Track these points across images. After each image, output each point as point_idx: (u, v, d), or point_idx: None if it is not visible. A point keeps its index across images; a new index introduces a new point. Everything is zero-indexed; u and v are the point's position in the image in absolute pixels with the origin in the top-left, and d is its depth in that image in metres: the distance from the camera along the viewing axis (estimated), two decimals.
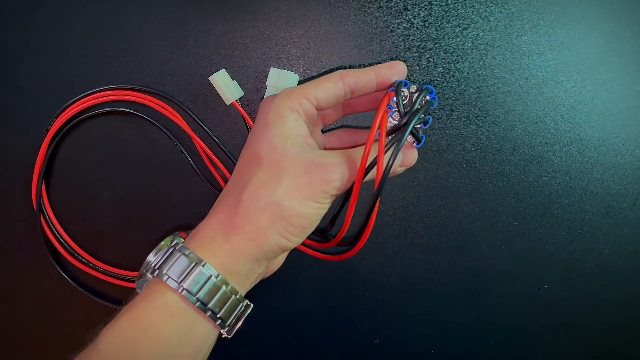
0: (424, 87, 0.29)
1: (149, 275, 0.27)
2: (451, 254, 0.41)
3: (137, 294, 0.27)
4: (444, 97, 0.40)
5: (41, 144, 0.41)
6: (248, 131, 0.39)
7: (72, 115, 0.41)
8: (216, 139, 0.40)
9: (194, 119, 0.40)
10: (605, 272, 0.41)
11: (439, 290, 0.42)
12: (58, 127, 0.41)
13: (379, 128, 0.27)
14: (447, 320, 0.42)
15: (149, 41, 0.41)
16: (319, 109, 0.30)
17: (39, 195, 0.41)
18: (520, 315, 0.42)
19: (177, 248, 0.27)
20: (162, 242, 0.28)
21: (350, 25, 0.40)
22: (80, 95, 0.41)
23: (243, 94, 0.39)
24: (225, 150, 0.40)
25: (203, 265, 0.26)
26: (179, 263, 0.26)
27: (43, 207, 0.42)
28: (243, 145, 0.30)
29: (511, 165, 0.41)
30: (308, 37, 0.40)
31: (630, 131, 0.40)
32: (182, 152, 0.40)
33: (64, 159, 0.42)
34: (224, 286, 0.27)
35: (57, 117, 0.41)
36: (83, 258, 0.42)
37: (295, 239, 0.28)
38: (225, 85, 0.38)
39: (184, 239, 0.30)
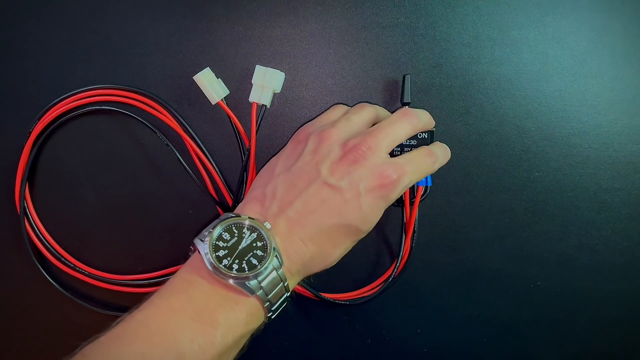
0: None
1: (254, 289, 0.30)
2: (443, 251, 0.41)
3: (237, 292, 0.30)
4: (433, 93, 0.39)
5: (24, 146, 0.40)
6: (234, 130, 0.39)
7: (55, 116, 0.40)
8: (199, 141, 0.39)
9: (178, 119, 0.39)
10: (599, 268, 0.41)
11: (431, 289, 0.41)
12: (41, 129, 0.40)
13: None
14: (439, 318, 0.42)
15: (132, 40, 0.40)
16: None
17: (23, 199, 0.40)
18: (513, 313, 0.41)
19: (284, 284, 0.31)
20: (268, 262, 0.30)
21: (336, 21, 0.39)
22: (62, 96, 0.40)
23: (228, 92, 0.39)
24: (206, 153, 0.40)
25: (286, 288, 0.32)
26: (279, 291, 0.31)
27: (27, 210, 0.41)
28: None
29: (502, 162, 0.40)
30: (294, 34, 0.39)
31: (622, 125, 0.39)
32: (169, 146, 0.39)
33: (47, 161, 0.41)
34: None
35: (39, 118, 0.40)
36: (69, 262, 0.41)
37: None
38: (210, 85, 0.37)
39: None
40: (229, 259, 0.30)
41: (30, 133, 0.40)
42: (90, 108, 0.40)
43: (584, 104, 0.39)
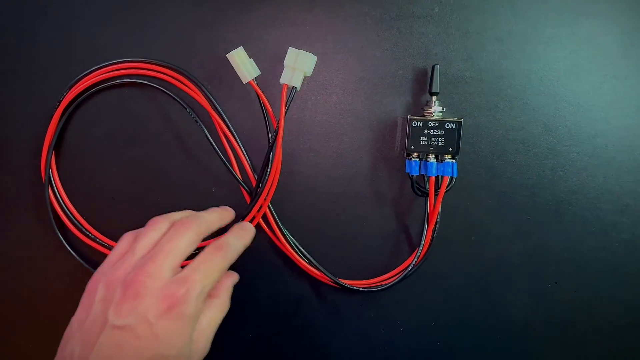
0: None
1: None
2: (461, 245, 0.41)
3: None
4: (462, 85, 0.39)
5: (53, 115, 0.40)
6: (263, 111, 0.39)
7: (85, 87, 0.40)
8: (226, 119, 0.40)
9: (208, 96, 0.39)
10: (618, 272, 0.41)
11: (447, 282, 0.41)
12: (71, 99, 0.40)
13: None
14: (454, 312, 0.42)
15: (166, 16, 0.40)
16: None
17: (49, 167, 0.41)
18: (528, 311, 0.41)
19: None
20: None
21: (371, 8, 0.39)
22: (94, 67, 0.40)
23: (260, 72, 0.39)
24: (233, 132, 0.40)
25: None
26: None
27: (52, 179, 0.41)
28: None
29: (527, 158, 0.40)
30: (328, 18, 0.40)
31: None
32: (197, 122, 0.39)
33: (75, 131, 0.42)
34: None
35: (70, 88, 0.40)
36: (89, 233, 0.41)
37: None
38: (243, 64, 0.38)
39: None
40: None
41: (60, 102, 0.40)
42: (121, 80, 0.40)
43: (612, 106, 0.39)
